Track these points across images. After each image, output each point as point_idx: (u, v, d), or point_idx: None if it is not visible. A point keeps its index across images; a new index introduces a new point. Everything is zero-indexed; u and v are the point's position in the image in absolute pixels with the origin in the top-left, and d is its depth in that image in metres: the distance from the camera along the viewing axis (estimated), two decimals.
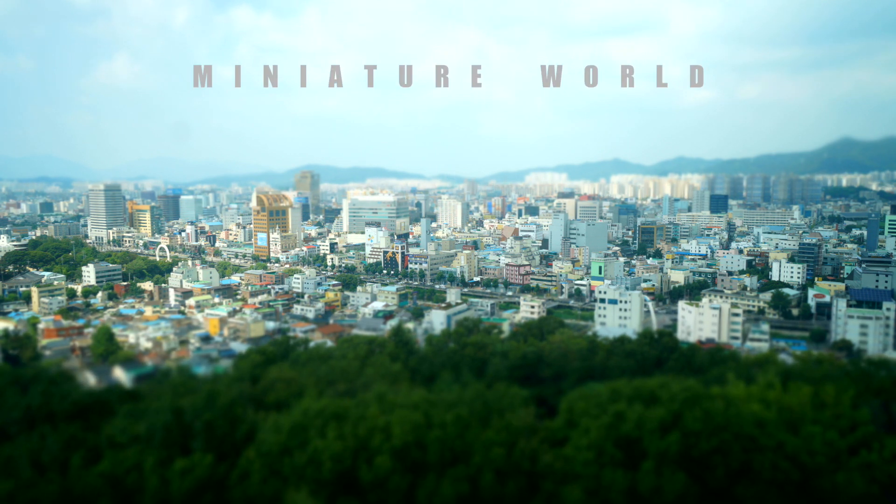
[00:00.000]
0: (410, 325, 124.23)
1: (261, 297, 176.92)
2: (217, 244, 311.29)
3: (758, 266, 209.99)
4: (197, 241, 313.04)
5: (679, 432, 27.78)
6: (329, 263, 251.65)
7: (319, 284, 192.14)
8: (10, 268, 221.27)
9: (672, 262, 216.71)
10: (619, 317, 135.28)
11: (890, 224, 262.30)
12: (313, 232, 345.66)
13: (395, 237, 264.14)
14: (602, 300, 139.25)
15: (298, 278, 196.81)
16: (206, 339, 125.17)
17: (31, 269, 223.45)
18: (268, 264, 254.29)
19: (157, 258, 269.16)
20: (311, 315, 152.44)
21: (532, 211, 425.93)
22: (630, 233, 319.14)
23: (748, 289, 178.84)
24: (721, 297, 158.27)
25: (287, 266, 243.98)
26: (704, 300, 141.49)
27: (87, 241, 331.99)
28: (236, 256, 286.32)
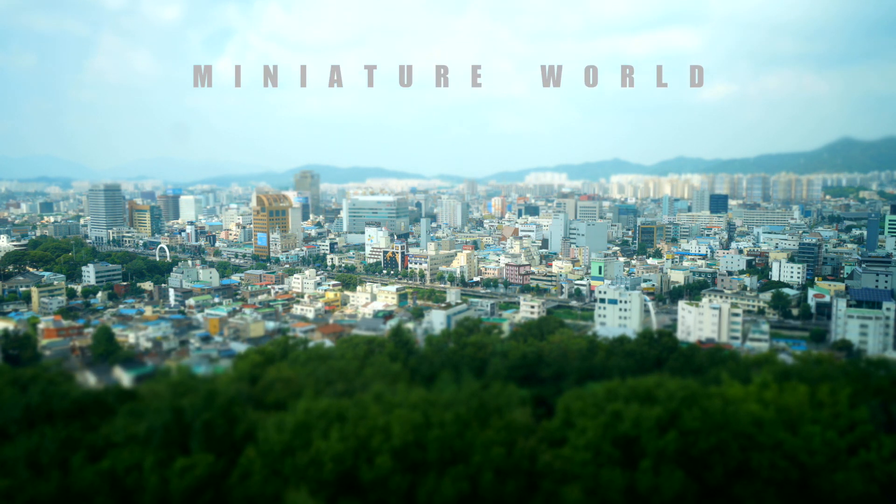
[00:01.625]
0: (410, 325, 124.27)
1: (261, 297, 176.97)
2: (217, 244, 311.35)
3: (758, 266, 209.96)
4: (197, 241, 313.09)
5: (677, 431, 27.81)
6: (329, 263, 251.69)
7: (319, 284, 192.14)
8: (10, 268, 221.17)
9: (672, 262, 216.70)
10: (619, 317, 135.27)
11: (890, 224, 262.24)
12: (313, 232, 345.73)
13: (395, 237, 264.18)
14: (602, 300, 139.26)
15: (298, 278, 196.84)
16: (206, 339, 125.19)
17: (31, 269, 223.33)
18: (268, 264, 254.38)
19: (157, 258, 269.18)
20: (310, 315, 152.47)
21: (532, 211, 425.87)
22: (630, 233, 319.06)
23: (748, 289, 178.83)
24: (721, 297, 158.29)
25: (287, 266, 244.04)
26: (704, 300, 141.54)
27: (87, 241, 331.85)
28: (236, 256, 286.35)
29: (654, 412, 28.59)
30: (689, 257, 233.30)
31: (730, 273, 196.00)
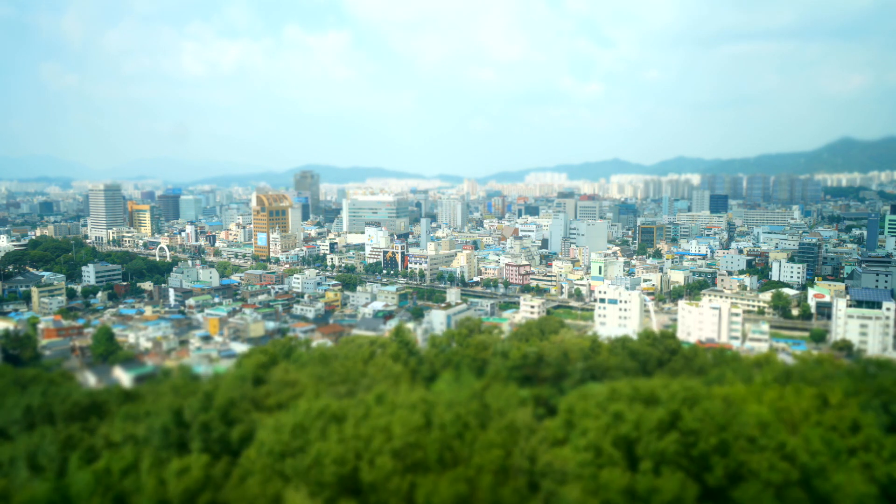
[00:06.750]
0: (410, 325, 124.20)
1: (261, 297, 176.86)
2: (217, 244, 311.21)
3: (758, 266, 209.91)
4: (197, 241, 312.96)
5: (677, 432, 27.78)
6: (329, 263, 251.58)
7: (319, 284, 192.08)
8: (10, 268, 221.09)
9: (672, 262, 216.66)
10: (619, 317, 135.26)
11: (890, 224, 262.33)
12: (313, 232, 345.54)
13: (395, 237, 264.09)
14: (602, 300, 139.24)
15: (298, 278, 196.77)
16: (206, 339, 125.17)
17: (31, 269, 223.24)
18: (268, 264, 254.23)
19: (157, 258, 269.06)
20: (310, 315, 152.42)
21: (532, 211, 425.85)
22: (630, 233, 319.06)
23: (748, 289, 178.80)
24: (721, 297, 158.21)
25: (287, 266, 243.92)
26: (704, 300, 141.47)
27: (87, 241, 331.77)
28: (236, 256, 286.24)
29: (655, 413, 28.56)
30: (689, 257, 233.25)
31: (730, 273, 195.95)
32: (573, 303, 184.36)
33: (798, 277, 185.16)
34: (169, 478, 29.19)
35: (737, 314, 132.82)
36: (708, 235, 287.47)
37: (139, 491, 29.04)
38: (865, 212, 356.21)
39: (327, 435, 30.63)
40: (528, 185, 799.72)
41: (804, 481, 27.73)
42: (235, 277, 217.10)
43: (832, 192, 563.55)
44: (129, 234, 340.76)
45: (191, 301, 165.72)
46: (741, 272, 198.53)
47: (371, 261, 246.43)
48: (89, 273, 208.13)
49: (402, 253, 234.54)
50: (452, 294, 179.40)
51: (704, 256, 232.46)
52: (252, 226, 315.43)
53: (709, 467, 27.35)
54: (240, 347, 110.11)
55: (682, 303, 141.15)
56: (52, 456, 33.33)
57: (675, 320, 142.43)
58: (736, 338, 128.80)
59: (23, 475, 32.06)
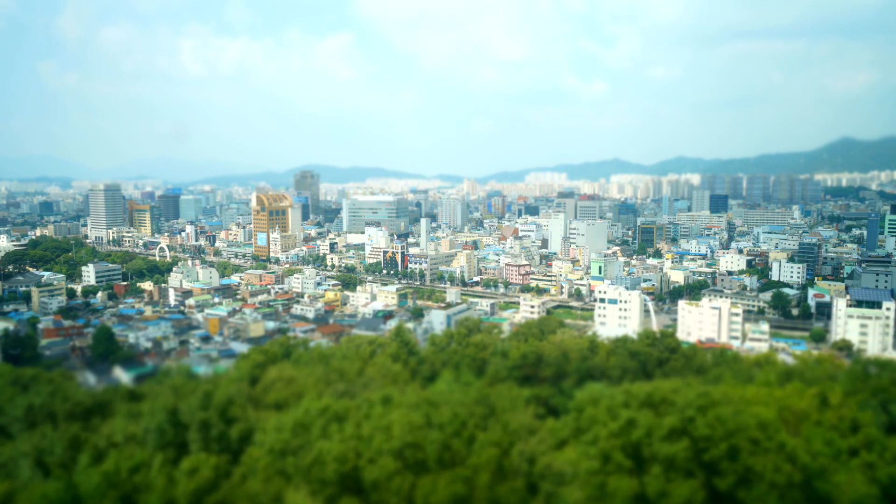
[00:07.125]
0: (410, 325, 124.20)
1: (261, 297, 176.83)
2: (217, 244, 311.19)
3: (758, 266, 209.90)
4: (197, 241, 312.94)
5: (688, 438, 27.71)
6: (329, 263, 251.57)
7: (319, 284, 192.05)
8: (10, 268, 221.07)
9: (672, 262, 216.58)
10: (619, 317, 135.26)
11: (890, 224, 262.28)
12: (313, 232, 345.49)
13: (395, 237, 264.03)
14: (602, 300, 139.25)
15: (298, 278, 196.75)
16: (206, 339, 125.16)
17: (31, 269, 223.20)
18: (268, 264, 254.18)
19: (157, 258, 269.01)
20: (310, 315, 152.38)
21: (532, 211, 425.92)
22: (630, 233, 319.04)
23: (748, 289, 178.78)
24: (721, 296, 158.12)
25: (287, 266, 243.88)
26: (704, 300, 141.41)
27: (87, 241, 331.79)
28: (236, 256, 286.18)
29: (667, 421, 28.44)
30: (689, 257, 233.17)
31: (730, 273, 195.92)
32: (573, 303, 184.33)
33: (798, 277, 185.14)
34: (179, 478, 29.18)
35: (737, 314, 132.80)
36: (708, 235, 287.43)
37: (147, 490, 29.03)
38: (865, 212, 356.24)
39: (328, 434, 30.61)
40: (528, 185, 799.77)
41: (806, 482, 27.70)
42: (235, 277, 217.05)
43: (832, 192, 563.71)
44: (129, 234, 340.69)
45: (191, 301, 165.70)
46: (741, 272, 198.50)
47: (371, 261, 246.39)
48: (89, 273, 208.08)
49: (402, 253, 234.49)
50: (452, 294, 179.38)
51: (704, 256, 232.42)
52: (252, 226, 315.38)
53: (718, 472, 27.29)
54: (240, 347, 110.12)
55: (682, 303, 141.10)
56: (57, 455, 33.32)
57: (675, 320, 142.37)
58: (736, 338, 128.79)
59: (26, 474, 32.06)
